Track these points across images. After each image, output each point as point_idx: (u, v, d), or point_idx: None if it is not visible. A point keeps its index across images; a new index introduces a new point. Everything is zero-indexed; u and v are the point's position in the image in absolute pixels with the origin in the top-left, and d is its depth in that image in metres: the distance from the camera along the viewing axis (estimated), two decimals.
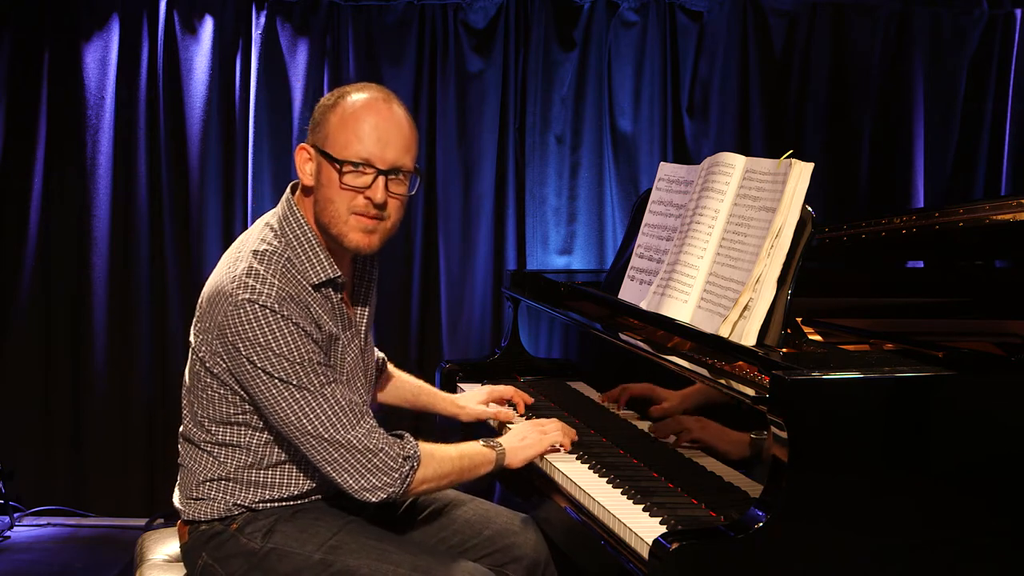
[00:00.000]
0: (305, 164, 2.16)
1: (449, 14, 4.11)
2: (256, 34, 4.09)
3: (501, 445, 2.33)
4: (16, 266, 4.15)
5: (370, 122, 2.11)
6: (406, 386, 2.71)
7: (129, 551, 3.33)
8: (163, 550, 2.39)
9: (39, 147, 4.11)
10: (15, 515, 4.10)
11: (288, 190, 2.23)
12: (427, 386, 2.75)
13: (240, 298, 2.04)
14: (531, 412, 2.78)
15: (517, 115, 4.16)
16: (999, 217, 2.48)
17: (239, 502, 2.17)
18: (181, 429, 2.24)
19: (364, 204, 2.11)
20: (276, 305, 2.04)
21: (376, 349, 2.63)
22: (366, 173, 2.10)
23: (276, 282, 2.07)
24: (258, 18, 4.10)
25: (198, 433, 2.19)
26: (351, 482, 2.08)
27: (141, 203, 4.14)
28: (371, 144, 2.10)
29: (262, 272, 2.08)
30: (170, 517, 2.31)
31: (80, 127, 4.11)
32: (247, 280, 2.06)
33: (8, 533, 4.02)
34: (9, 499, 4.09)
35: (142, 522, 4.05)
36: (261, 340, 2.04)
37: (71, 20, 4.08)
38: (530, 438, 2.38)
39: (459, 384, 3.10)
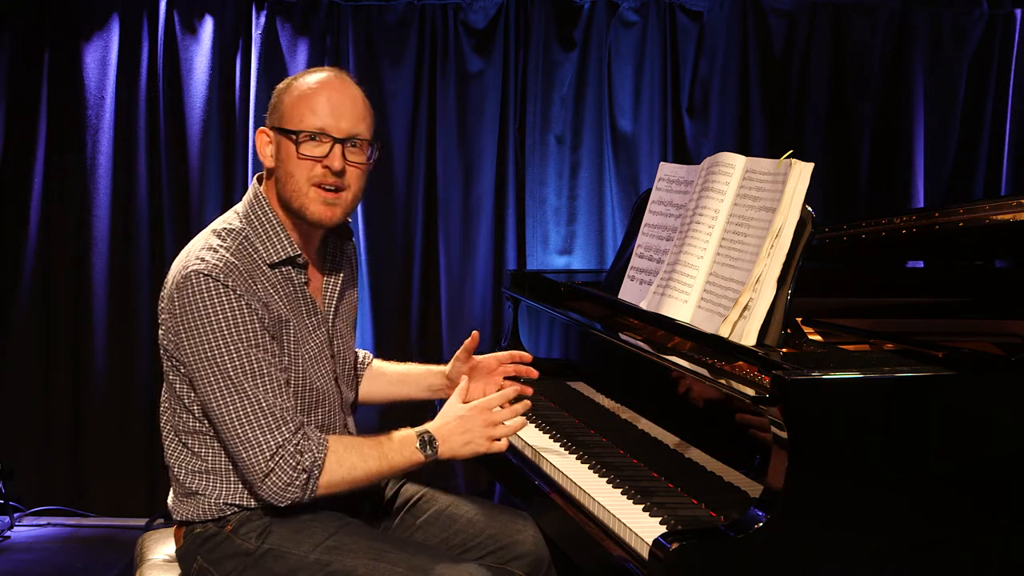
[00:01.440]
0: (265, 147, 2.23)
1: (449, 14, 4.11)
2: (256, 34, 4.09)
3: (435, 444, 2.20)
4: (16, 266, 4.15)
5: (323, 95, 2.18)
6: (386, 376, 2.59)
7: (129, 551, 3.33)
8: (163, 550, 2.39)
9: (39, 147, 4.12)
10: (15, 515, 4.10)
11: (255, 179, 2.28)
12: (414, 371, 2.61)
13: (189, 270, 2.08)
14: (531, 412, 2.78)
15: (517, 115, 4.16)
16: (999, 217, 2.48)
17: (229, 500, 2.17)
18: (160, 424, 2.25)
19: (322, 173, 2.17)
20: (221, 276, 2.07)
21: (361, 350, 2.62)
22: (323, 143, 2.17)
23: (227, 256, 2.11)
24: (258, 18, 4.10)
25: (173, 425, 2.20)
26: (252, 480, 2.08)
27: (141, 203, 4.14)
28: (325, 115, 2.17)
29: (215, 245, 2.13)
30: (170, 517, 2.30)
31: (80, 127, 4.12)
32: (201, 253, 2.11)
33: (8, 533, 4.02)
34: (9, 499, 4.09)
35: (142, 522, 4.05)
36: (202, 311, 2.05)
37: (71, 20, 4.08)
38: (475, 434, 2.23)
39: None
